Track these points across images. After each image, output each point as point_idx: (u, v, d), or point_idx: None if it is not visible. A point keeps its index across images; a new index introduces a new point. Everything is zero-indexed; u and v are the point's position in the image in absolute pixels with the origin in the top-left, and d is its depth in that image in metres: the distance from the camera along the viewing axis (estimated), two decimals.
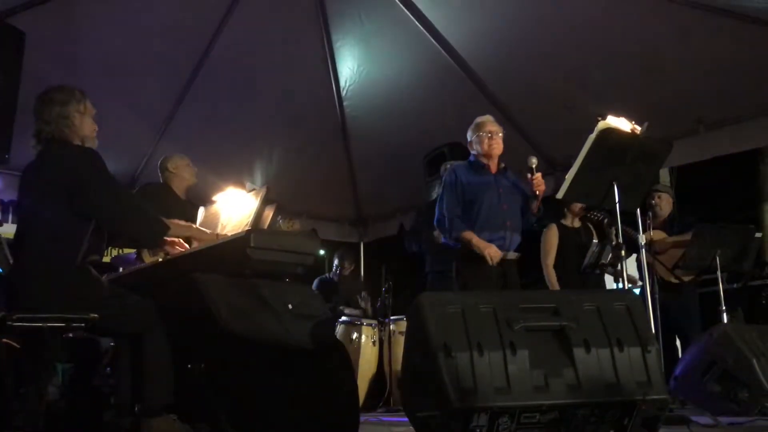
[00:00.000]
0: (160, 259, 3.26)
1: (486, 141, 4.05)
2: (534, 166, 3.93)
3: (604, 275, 4.83)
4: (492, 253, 3.84)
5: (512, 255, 4.01)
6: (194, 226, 3.19)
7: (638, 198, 3.85)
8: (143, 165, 6.19)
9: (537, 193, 3.94)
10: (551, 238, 4.98)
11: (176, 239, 3.07)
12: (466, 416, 2.23)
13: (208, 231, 3.18)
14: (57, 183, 2.71)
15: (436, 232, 4.32)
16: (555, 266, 4.94)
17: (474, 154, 4.16)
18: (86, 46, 5.07)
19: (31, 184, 2.82)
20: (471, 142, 4.15)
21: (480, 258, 3.87)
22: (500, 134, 4.08)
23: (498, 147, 4.07)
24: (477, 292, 3.53)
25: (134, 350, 2.77)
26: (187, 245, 3.12)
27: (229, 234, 3.07)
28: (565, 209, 5.07)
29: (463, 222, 3.96)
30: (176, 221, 3.10)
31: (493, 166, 4.10)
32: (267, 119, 6.26)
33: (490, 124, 4.12)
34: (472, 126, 4.17)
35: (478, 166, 4.11)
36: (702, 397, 3.80)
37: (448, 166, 4.59)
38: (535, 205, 4.02)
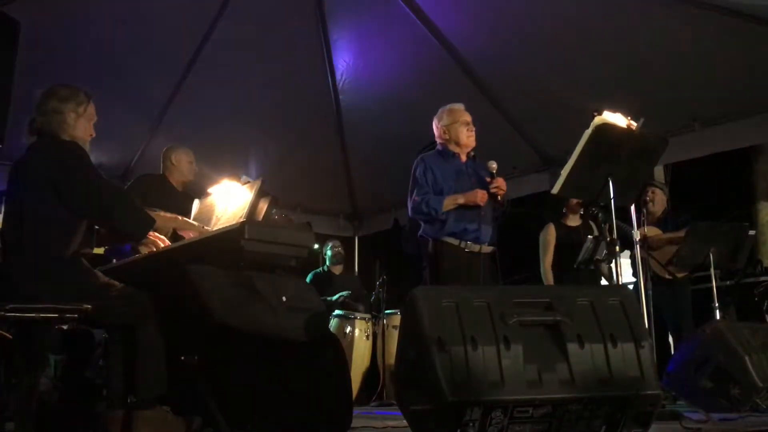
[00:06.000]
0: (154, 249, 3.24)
1: (465, 132, 3.99)
2: (494, 170, 3.90)
3: (598, 271, 4.83)
4: (480, 195, 3.81)
5: (487, 248, 3.93)
6: (180, 217, 3.17)
7: (633, 194, 3.85)
8: (137, 157, 6.18)
9: (498, 197, 3.91)
10: (548, 237, 4.98)
11: (158, 236, 3.05)
12: (459, 410, 2.23)
13: (195, 223, 3.16)
14: (44, 176, 2.71)
15: None
16: (553, 264, 4.94)
17: (442, 143, 4.06)
18: (81, 36, 5.04)
19: (19, 176, 2.82)
20: (444, 128, 4.03)
21: (456, 253, 3.84)
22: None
23: (474, 138, 4.02)
24: (471, 286, 3.53)
25: (127, 342, 2.76)
26: (168, 241, 3.09)
27: (223, 226, 3.06)
28: (564, 208, 5.07)
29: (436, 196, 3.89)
30: (162, 213, 3.09)
31: (463, 155, 4.05)
32: (262, 111, 6.24)
33: (464, 113, 4.04)
34: (445, 112, 4.06)
35: (448, 155, 4.02)
36: (694, 393, 3.82)
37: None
38: (498, 204, 3.97)
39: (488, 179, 3.91)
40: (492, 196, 3.91)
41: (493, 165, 3.91)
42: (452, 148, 4.03)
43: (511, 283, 4.37)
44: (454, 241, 3.88)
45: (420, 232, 4.05)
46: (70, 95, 2.84)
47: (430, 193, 3.93)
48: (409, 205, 4.03)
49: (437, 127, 4.08)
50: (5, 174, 2.93)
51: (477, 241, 3.89)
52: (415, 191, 3.98)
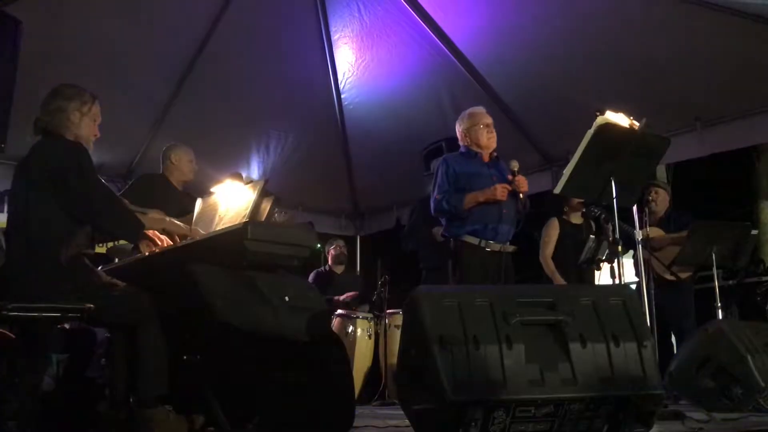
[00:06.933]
0: (156, 250, 3.24)
1: (485, 134, 4.09)
2: (516, 169, 3.99)
3: (600, 271, 4.82)
4: (500, 189, 3.88)
5: (509, 248, 4.00)
6: (167, 219, 3.16)
7: (635, 194, 3.86)
8: (139, 156, 6.18)
9: (520, 195, 3.99)
10: (551, 230, 4.99)
11: (154, 234, 3.04)
12: (461, 409, 2.23)
13: (182, 224, 3.16)
14: (45, 175, 2.72)
15: (435, 229, 4.29)
16: (553, 261, 4.94)
17: (465, 145, 4.17)
18: (83, 36, 5.04)
19: (22, 176, 2.82)
20: (465, 131, 4.15)
21: (476, 252, 3.88)
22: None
23: (495, 140, 4.12)
24: (473, 285, 3.54)
25: (129, 341, 2.76)
26: (168, 240, 3.08)
27: (226, 226, 3.06)
28: (565, 206, 5.07)
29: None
30: (150, 215, 3.09)
31: (486, 155, 4.13)
32: (264, 112, 6.25)
33: (485, 116, 4.16)
34: (465, 116, 4.18)
35: (470, 156, 4.13)
36: (696, 393, 3.82)
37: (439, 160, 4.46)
38: (519, 203, 4.04)
39: (510, 177, 3.98)
40: (514, 195, 3.98)
41: (515, 164, 4.00)
42: (475, 149, 4.13)
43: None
44: (474, 240, 3.93)
45: (442, 230, 4.14)
46: (75, 95, 2.84)
47: (450, 191, 4.01)
48: (432, 204, 4.11)
49: (459, 131, 4.20)
50: (8, 173, 2.93)
51: (497, 239, 3.93)
52: (436, 190, 4.08)
